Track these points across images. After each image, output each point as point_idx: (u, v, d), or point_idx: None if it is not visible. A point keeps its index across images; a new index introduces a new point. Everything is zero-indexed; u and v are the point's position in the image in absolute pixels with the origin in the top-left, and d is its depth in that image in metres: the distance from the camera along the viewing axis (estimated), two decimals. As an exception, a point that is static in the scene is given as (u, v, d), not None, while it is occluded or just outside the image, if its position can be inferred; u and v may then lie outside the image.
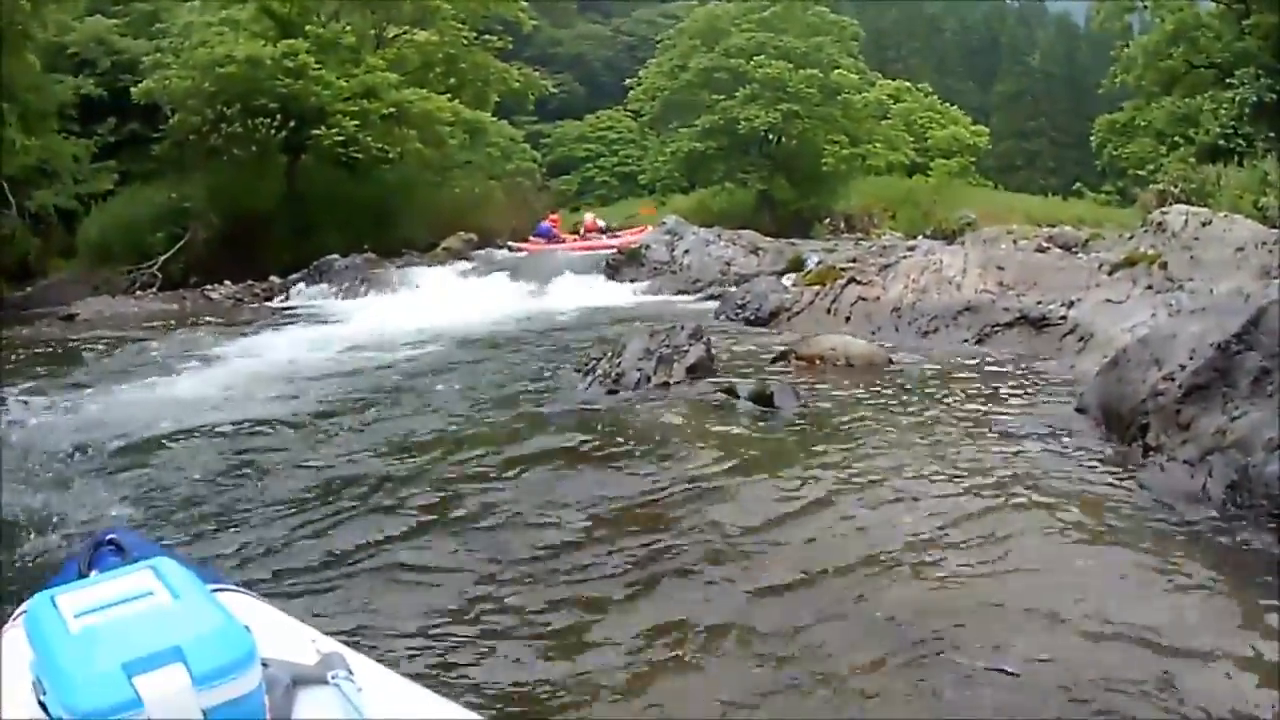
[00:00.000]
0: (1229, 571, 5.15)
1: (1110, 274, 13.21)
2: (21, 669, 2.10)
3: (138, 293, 28.22)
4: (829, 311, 14.80)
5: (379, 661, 2.53)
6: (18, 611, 2.43)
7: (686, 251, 24.89)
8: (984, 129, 64.00)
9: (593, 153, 74.84)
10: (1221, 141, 33.18)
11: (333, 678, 2.23)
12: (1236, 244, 12.94)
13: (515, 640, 4.71)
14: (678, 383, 10.32)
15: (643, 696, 4.23)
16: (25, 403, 11.30)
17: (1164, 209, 15.92)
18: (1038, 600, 4.85)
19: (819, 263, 20.59)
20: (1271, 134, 32.04)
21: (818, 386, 10.21)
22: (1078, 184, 62.38)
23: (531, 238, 32.57)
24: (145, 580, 2.22)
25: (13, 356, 16.33)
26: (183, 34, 33.06)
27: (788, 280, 19.10)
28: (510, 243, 31.75)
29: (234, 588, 2.80)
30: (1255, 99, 33.21)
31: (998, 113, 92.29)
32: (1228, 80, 35.26)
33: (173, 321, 21.79)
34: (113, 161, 32.55)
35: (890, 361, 11.36)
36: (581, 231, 34.22)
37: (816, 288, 15.76)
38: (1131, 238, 15.34)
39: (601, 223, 36.36)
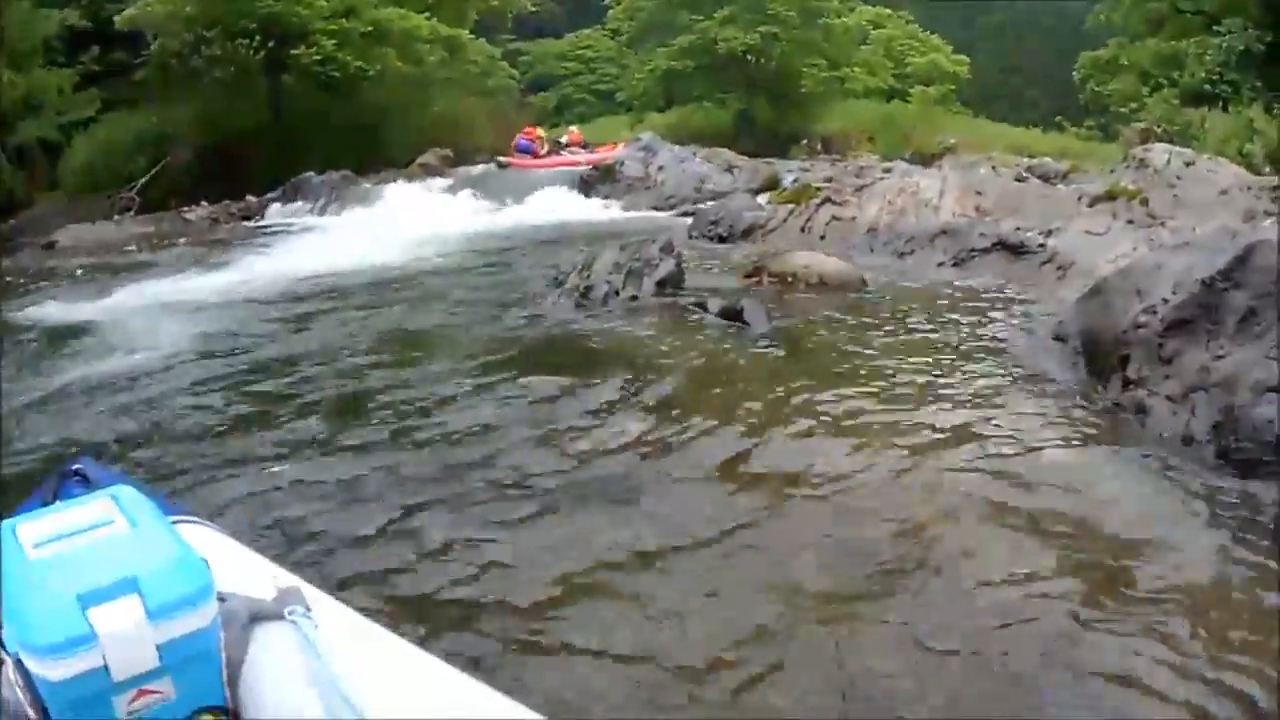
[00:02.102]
0: (1215, 512, 5.04)
1: (1091, 206, 13.09)
2: None
3: (116, 217, 28.29)
4: (803, 230, 14.63)
5: (336, 597, 2.48)
6: None
7: (661, 168, 24.72)
8: (964, 58, 63.88)
9: (571, 70, 74.80)
10: (1207, 86, 33.05)
11: (290, 614, 2.20)
12: (1221, 186, 12.86)
13: (451, 560, 4.64)
14: (648, 297, 10.20)
15: (574, 610, 4.21)
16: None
17: (1146, 146, 15.81)
18: (1006, 531, 4.77)
19: (795, 182, 20.36)
20: (1259, 82, 31.91)
21: (790, 304, 10.09)
22: (1059, 118, 62.38)
23: (516, 154, 31.82)
24: (104, 509, 2.21)
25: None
26: (167, -42, 32.66)
27: (762, 199, 18.89)
28: (499, 158, 31.22)
29: (194, 519, 2.80)
30: (1243, 47, 33.05)
31: (981, 44, 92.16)
32: (1215, 27, 35.07)
33: (148, 244, 21.81)
34: (95, 89, 32.46)
35: (863, 282, 11.18)
36: (565, 142, 33.62)
37: (791, 206, 15.59)
38: (1113, 172, 15.24)
39: (580, 137, 35.41)
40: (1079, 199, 13.65)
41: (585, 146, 33.14)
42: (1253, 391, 5.72)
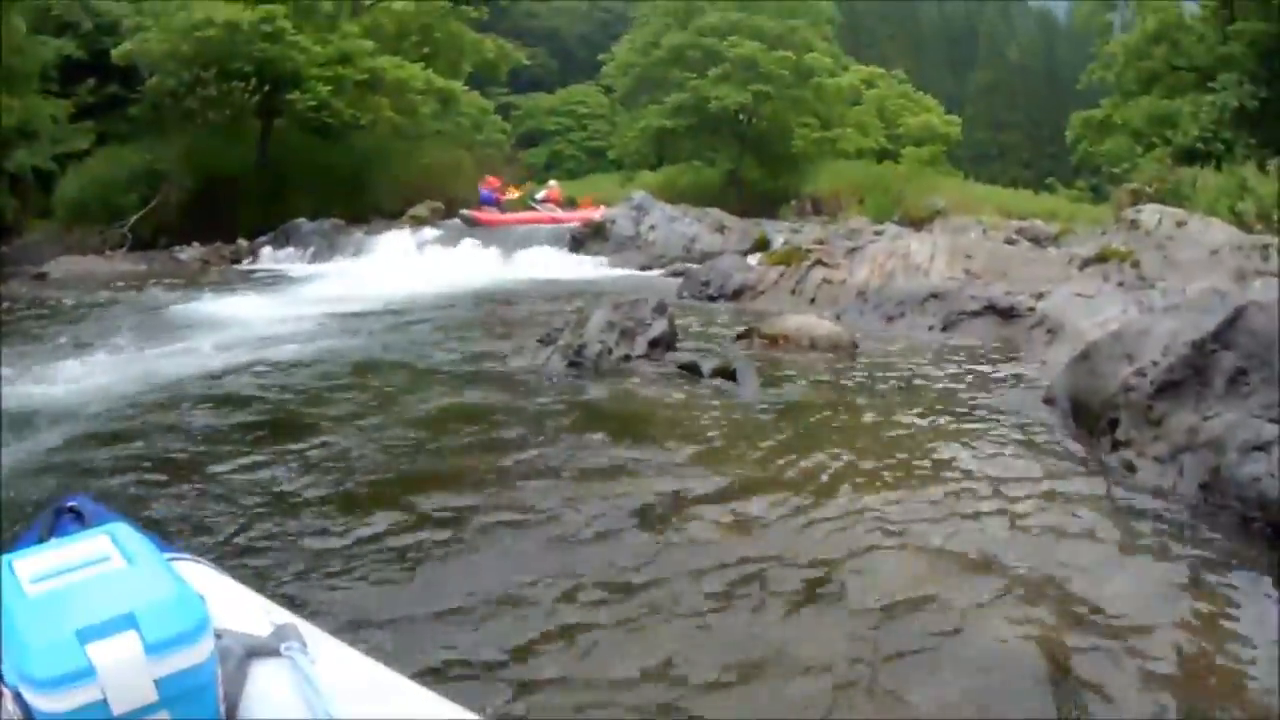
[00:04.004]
0: (1199, 571, 5.04)
1: (1081, 268, 13.17)
2: None
3: (108, 252, 28.51)
4: (793, 292, 14.70)
5: (333, 634, 2.47)
6: None
7: (652, 227, 24.90)
8: (956, 119, 64.11)
9: (562, 126, 75.10)
10: (1200, 145, 33.22)
11: (286, 650, 2.20)
12: (1212, 246, 12.94)
13: (453, 614, 4.56)
14: (640, 356, 10.25)
15: (573, 656, 4.18)
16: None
17: (1138, 207, 15.89)
18: (996, 590, 4.75)
19: (785, 243, 20.45)
20: (1252, 140, 32.07)
21: (780, 366, 10.12)
22: (1050, 179, 62.58)
23: (481, 204, 31.23)
24: (101, 546, 2.22)
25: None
26: (164, -3, 33.00)
27: (753, 259, 18.98)
28: (463, 211, 30.65)
29: (190, 557, 2.76)
30: (1236, 104, 33.21)
31: (973, 104, 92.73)
32: (1209, 84, 35.26)
33: (138, 281, 21.83)
34: (90, 122, 32.58)
35: (854, 344, 11.23)
36: (542, 197, 32.78)
37: (781, 268, 15.66)
38: (1104, 234, 15.32)
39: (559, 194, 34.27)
40: (1069, 261, 13.74)
41: (571, 203, 32.43)
42: (1239, 451, 5.75)
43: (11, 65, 28.29)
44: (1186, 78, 38.46)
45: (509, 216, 29.55)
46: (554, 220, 28.34)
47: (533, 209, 31.10)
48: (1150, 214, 14.59)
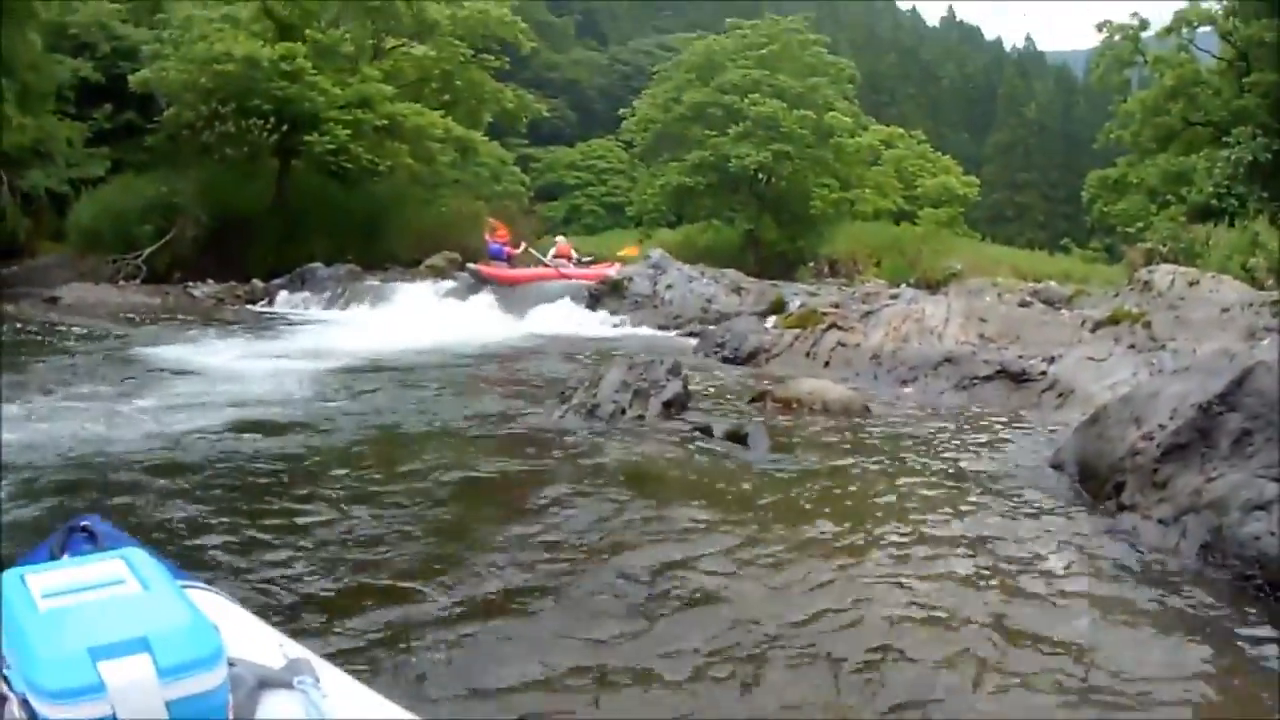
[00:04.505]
0: (1199, 630, 5.10)
1: (1093, 331, 13.21)
2: None
3: (121, 282, 28.57)
4: (808, 355, 14.75)
5: (346, 670, 2.53)
6: None
7: (669, 286, 24.80)
8: (974, 180, 63.89)
9: (582, 180, 75.07)
10: (1214, 201, 33.22)
11: (299, 683, 2.24)
12: (1223, 304, 12.99)
13: (465, 670, 4.58)
14: (654, 417, 10.26)
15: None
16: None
17: (1150, 268, 15.95)
18: (1005, 656, 4.77)
19: (801, 306, 20.48)
20: (1265, 194, 32.10)
21: (793, 430, 10.15)
22: (1065, 239, 62.56)
23: (488, 260, 29.37)
24: (116, 569, 2.27)
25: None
26: (183, 27, 33.06)
27: (769, 321, 18.99)
28: (469, 265, 29.25)
29: (204, 586, 2.82)
30: (1250, 158, 33.24)
31: (990, 163, 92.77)
32: (1224, 139, 35.31)
33: (154, 315, 22.10)
34: (106, 148, 32.82)
35: (867, 409, 11.26)
36: (551, 256, 30.10)
37: (797, 330, 15.70)
38: (1117, 295, 15.37)
39: (574, 251, 31.44)
40: (1082, 324, 13.78)
41: (583, 261, 30.66)
42: (1241, 510, 5.82)
43: (26, 82, 28.38)
44: (1202, 133, 38.57)
45: (518, 273, 28.43)
46: (563, 277, 27.64)
47: (543, 264, 29.60)
48: (1163, 274, 14.66)
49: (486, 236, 30.51)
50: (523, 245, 30.70)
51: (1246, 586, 5.53)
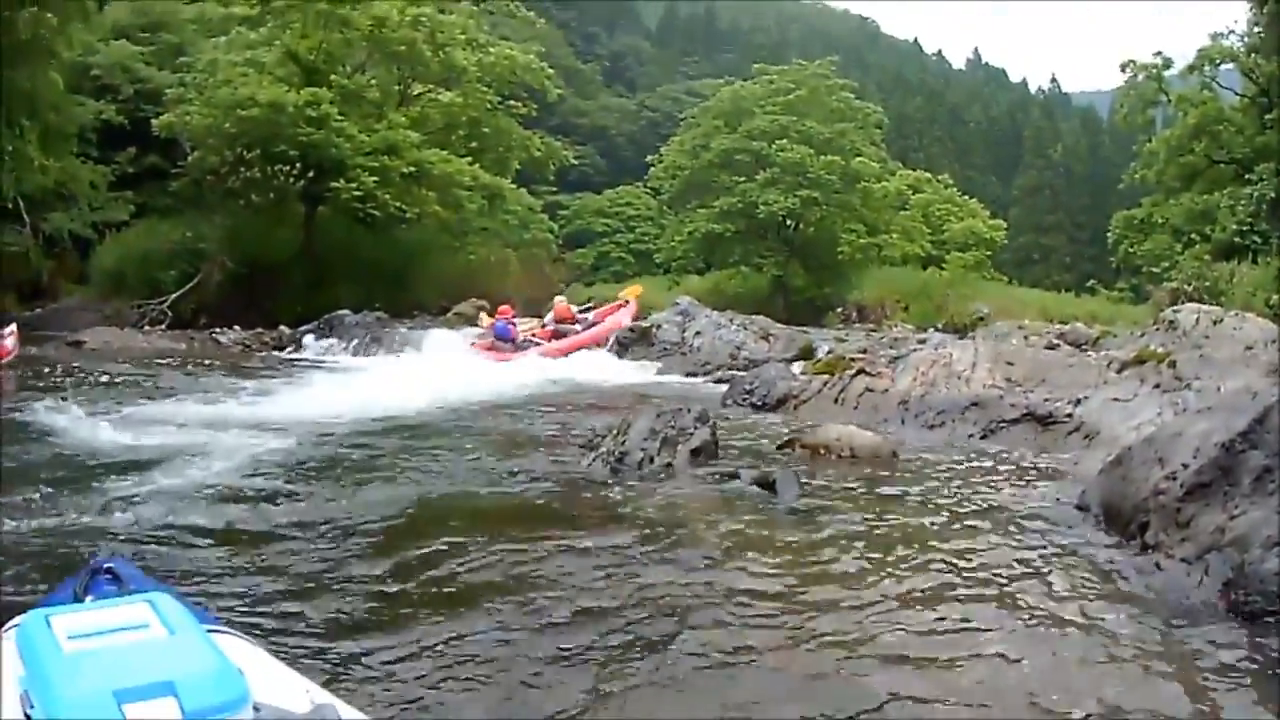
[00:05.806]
0: (1222, 668, 5.15)
1: (1119, 372, 13.24)
2: (10, 680, 2.18)
3: (146, 328, 28.76)
4: (836, 401, 14.78)
5: (371, 716, 2.61)
6: (9, 624, 2.50)
7: (698, 333, 24.80)
8: (1001, 223, 64.02)
9: (610, 228, 75.27)
10: (1238, 239, 33.24)
11: None
12: (1246, 342, 12.98)
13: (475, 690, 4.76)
14: (682, 465, 10.32)
15: None
16: (28, 424, 11.91)
17: (1176, 307, 15.96)
18: (1033, 695, 4.83)
19: (829, 352, 20.54)
20: (1288, 230, 32.17)
21: (821, 476, 10.15)
22: (1092, 280, 62.44)
23: (494, 340, 25.81)
24: (141, 613, 2.30)
25: (16, 374, 17.23)
26: (207, 70, 33.36)
27: (797, 368, 19.01)
28: (471, 343, 26.15)
29: (230, 630, 2.85)
30: (1273, 195, 33.25)
31: (1017, 206, 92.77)
32: (1247, 176, 35.31)
33: (181, 361, 22.29)
34: (130, 192, 33.18)
35: (895, 454, 11.29)
36: (548, 321, 27.57)
37: (825, 376, 15.74)
38: (1143, 335, 15.38)
39: (575, 308, 29.01)
40: (1108, 365, 13.81)
41: (586, 308, 29.23)
42: (1263, 547, 5.87)
43: (48, 123, 28.50)
44: (1226, 171, 38.59)
45: (520, 353, 25.04)
46: (575, 347, 25.75)
47: (546, 336, 26.72)
48: (1188, 314, 14.66)
49: (489, 320, 27.73)
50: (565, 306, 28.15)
51: (1271, 623, 5.57)
